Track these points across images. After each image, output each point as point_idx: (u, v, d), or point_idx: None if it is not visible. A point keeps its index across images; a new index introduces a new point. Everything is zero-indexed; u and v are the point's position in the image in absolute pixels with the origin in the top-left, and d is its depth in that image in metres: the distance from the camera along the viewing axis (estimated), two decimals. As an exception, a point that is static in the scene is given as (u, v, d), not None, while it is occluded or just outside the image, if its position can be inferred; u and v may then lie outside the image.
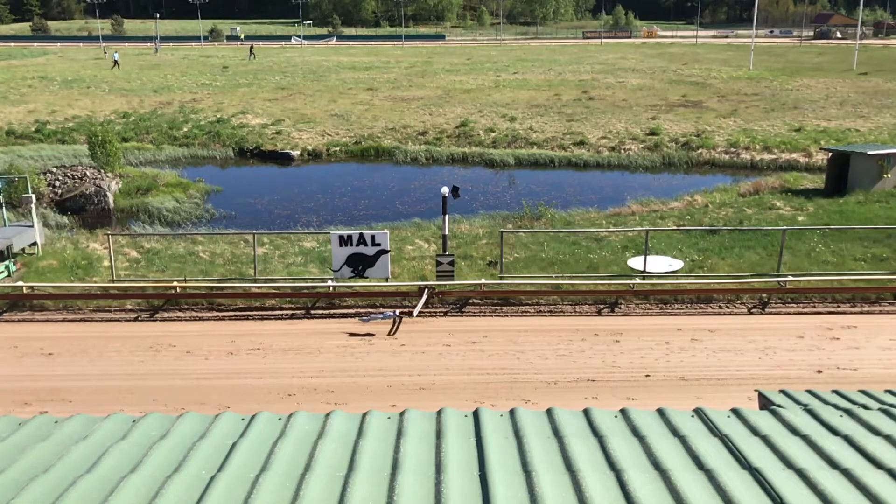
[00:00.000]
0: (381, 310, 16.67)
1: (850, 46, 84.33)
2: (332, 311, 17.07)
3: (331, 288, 17.63)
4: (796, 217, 23.23)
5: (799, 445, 4.73)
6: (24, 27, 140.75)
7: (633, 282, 17.65)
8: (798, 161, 33.10)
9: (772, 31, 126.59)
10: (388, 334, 15.56)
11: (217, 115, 43.71)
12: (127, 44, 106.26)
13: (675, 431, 5.02)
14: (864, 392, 6.37)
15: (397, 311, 16.26)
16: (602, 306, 17.15)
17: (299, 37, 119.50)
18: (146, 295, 17.61)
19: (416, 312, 16.34)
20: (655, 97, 49.21)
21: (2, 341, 15.60)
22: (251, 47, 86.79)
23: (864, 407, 5.65)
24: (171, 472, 4.36)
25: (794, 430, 5.05)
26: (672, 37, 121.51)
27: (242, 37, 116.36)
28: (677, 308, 17.06)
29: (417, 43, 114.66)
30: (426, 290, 16.92)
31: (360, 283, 17.83)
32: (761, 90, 52.37)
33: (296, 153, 36.67)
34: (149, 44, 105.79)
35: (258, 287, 17.87)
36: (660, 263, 18.94)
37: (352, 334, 15.63)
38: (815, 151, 33.31)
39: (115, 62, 71.10)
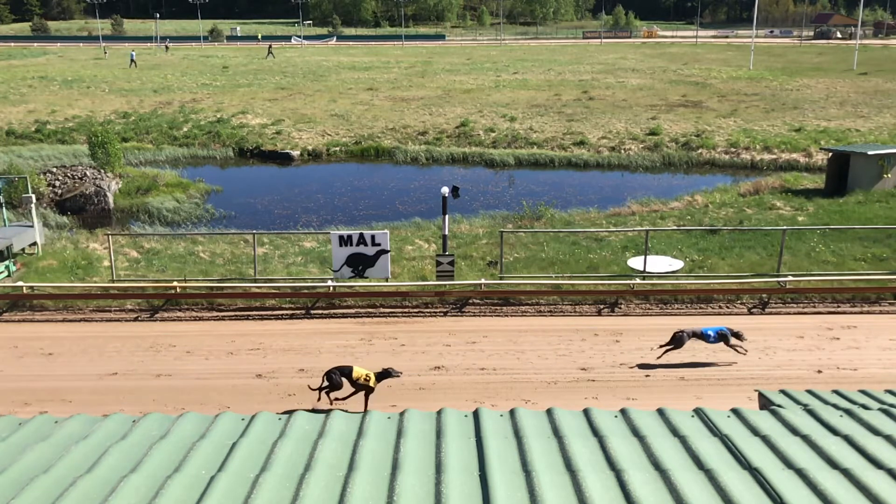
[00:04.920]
0: None
1: (850, 46, 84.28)
2: (332, 311, 17.07)
3: (331, 288, 17.63)
4: (796, 217, 23.23)
5: (799, 445, 4.73)
6: (24, 27, 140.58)
7: (633, 282, 17.64)
8: (798, 161, 33.10)
9: (772, 31, 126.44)
10: None
11: (217, 115, 43.70)
12: (127, 44, 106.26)
13: (675, 431, 5.02)
14: (864, 392, 6.38)
15: None
16: (602, 306, 17.14)
17: (299, 37, 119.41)
18: (146, 295, 17.60)
19: None
20: (655, 97, 49.19)
21: (2, 341, 15.59)
22: (269, 46, 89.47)
23: (864, 407, 5.65)
24: (171, 472, 4.36)
25: (794, 430, 5.05)
26: (672, 37, 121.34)
27: (260, 36, 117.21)
28: (677, 308, 17.06)
29: (417, 43, 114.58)
30: None
31: (360, 283, 17.83)
32: (761, 90, 52.35)
33: (296, 153, 36.66)
34: (149, 44, 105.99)
35: (258, 287, 17.87)
36: (660, 263, 18.94)
37: None
38: (815, 151, 33.30)
39: (132, 61, 73.42)
